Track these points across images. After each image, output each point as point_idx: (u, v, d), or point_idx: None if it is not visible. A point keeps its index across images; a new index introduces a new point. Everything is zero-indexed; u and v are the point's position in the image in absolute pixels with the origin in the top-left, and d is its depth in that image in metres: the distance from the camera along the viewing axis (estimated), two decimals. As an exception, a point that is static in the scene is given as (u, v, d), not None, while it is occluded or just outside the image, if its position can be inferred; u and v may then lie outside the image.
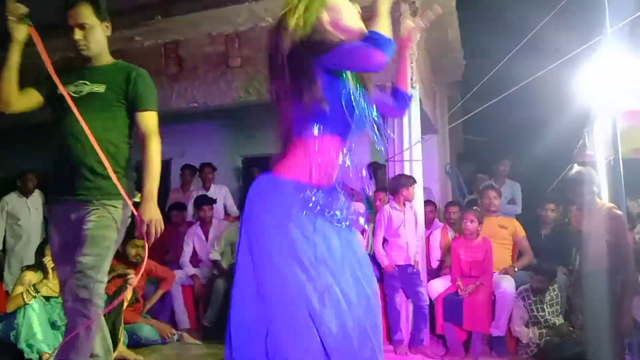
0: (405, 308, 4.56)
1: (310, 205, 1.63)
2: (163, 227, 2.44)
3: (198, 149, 7.29)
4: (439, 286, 4.63)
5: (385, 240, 4.64)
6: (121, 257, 4.28)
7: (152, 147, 2.47)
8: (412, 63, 4.75)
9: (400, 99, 2.02)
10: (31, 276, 3.95)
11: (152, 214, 2.38)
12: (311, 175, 1.67)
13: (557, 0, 5.03)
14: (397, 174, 4.74)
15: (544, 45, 5.13)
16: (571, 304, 4.29)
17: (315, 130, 1.66)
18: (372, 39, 1.59)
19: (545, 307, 4.15)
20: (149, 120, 2.52)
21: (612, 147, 4.15)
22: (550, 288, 4.20)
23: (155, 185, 2.43)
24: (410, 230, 4.59)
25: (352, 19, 1.78)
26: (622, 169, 4.03)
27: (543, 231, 5.04)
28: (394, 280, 4.50)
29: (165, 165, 7.25)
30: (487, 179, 6.36)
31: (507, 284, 4.35)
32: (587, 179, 3.76)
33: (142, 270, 2.65)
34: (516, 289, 4.33)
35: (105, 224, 2.42)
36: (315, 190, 1.65)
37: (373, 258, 4.57)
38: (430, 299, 4.56)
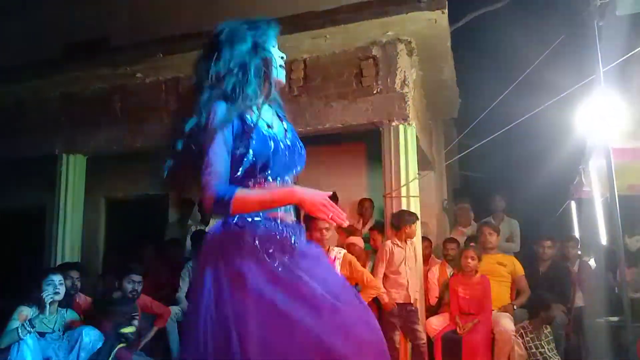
0: (403, 346, 4.50)
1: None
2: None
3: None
4: (437, 323, 4.58)
5: (385, 277, 4.52)
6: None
7: None
8: (407, 101, 4.80)
9: None
10: (27, 311, 3.91)
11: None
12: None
13: (551, 40, 5.16)
14: (396, 210, 4.69)
15: (538, 84, 5.23)
16: (570, 341, 4.25)
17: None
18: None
19: (543, 344, 4.11)
20: None
21: (608, 184, 4.18)
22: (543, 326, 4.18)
23: None
24: (411, 268, 4.52)
25: None
26: (618, 206, 4.05)
27: (540, 268, 5.01)
28: (393, 318, 4.42)
29: (163, 200, 7.25)
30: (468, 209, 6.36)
31: (506, 322, 4.30)
32: None
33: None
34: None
35: None
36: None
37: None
38: (428, 336, 4.51)
